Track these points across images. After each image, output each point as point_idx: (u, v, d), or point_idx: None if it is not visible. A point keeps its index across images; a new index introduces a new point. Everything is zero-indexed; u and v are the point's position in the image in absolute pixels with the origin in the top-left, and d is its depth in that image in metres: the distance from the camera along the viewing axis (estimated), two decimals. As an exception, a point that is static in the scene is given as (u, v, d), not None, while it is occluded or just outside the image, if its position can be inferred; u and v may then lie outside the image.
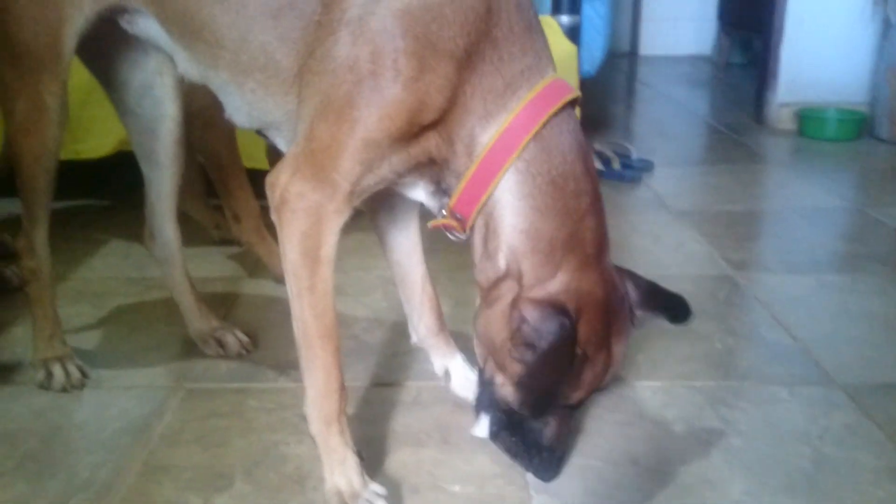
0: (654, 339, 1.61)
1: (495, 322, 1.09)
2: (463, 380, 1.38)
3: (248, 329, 1.64)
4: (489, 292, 1.10)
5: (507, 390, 1.13)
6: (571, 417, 1.18)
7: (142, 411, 1.37)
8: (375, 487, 1.11)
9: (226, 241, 2.11)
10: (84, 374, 1.45)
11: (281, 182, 1.09)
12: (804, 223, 2.34)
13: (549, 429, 1.15)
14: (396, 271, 1.37)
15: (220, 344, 1.55)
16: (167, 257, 1.53)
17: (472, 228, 1.10)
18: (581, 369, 1.07)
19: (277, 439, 1.29)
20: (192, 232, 2.08)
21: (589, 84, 3.09)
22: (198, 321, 1.56)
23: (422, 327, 1.38)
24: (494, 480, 1.19)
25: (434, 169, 1.10)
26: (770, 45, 3.54)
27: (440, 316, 1.38)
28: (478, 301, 1.15)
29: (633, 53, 6.04)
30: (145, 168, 1.48)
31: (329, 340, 1.11)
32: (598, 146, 2.88)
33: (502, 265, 1.07)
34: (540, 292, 1.05)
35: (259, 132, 1.24)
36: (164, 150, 1.45)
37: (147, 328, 1.69)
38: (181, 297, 1.55)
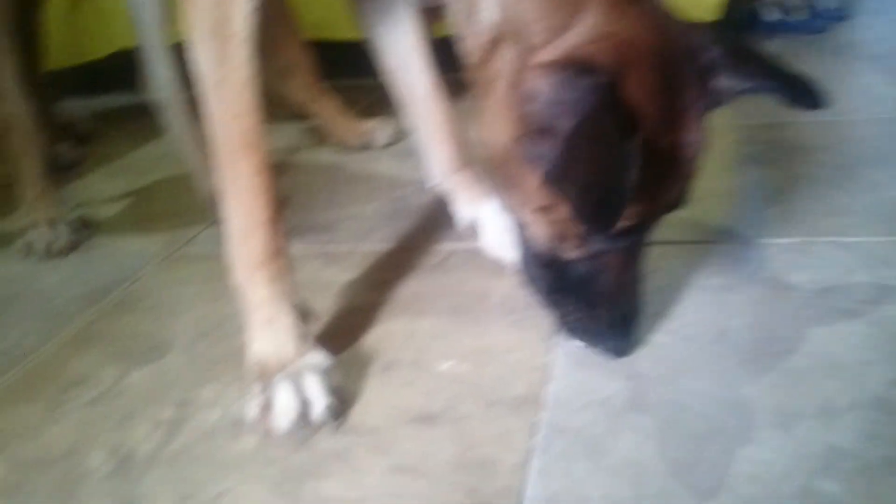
0: (793, 188, 1.15)
1: (498, 117, 0.71)
2: (496, 233, 1.00)
3: (282, 194, 1.36)
4: (482, 70, 0.72)
5: (537, 227, 0.76)
6: (636, 253, 0.78)
7: (113, 277, 1.13)
8: (313, 358, 0.78)
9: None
10: (74, 239, 1.23)
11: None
12: None
13: (606, 274, 0.77)
14: (396, 86, 1.01)
15: (232, 206, 1.27)
16: (167, 101, 1.26)
17: None
18: (641, 163, 0.65)
19: (245, 307, 0.99)
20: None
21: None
22: (205, 179, 1.29)
23: (435, 164, 1.02)
24: (502, 358, 0.83)
25: None
26: None
27: (460, 145, 1.01)
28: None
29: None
30: (128, -9, 1.22)
31: (253, 151, 0.79)
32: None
33: (488, 20, 0.69)
34: (553, 52, 0.66)
35: None
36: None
37: (173, 199, 1.45)
38: (184, 150, 1.29)
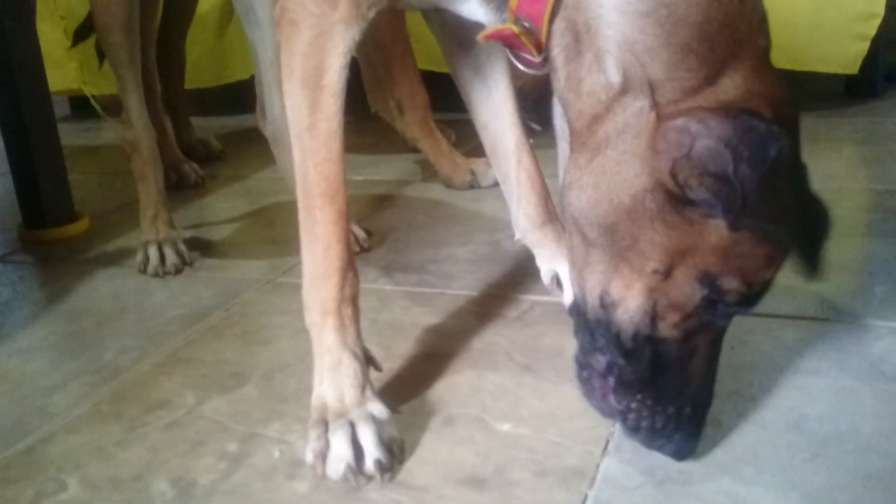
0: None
1: (621, 171, 0.68)
2: (577, 290, 0.98)
3: (382, 229, 1.40)
4: (592, 130, 0.70)
5: (635, 300, 0.70)
6: (722, 337, 0.74)
7: (213, 301, 1.18)
8: (374, 408, 0.79)
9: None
10: (183, 260, 1.31)
11: (283, -8, 0.83)
12: None
13: (694, 359, 0.72)
14: (486, 139, 1.01)
15: (332, 239, 1.31)
16: (276, 135, 1.33)
17: (548, 40, 0.72)
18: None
19: (325, 343, 1.02)
20: (384, 136, 1.88)
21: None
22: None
23: (521, 216, 1.02)
24: (562, 425, 0.81)
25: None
26: None
27: (545, 200, 1.00)
28: (561, 170, 0.77)
29: None
30: (248, 31, 1.29)
31: (332, 201, 0.82)
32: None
33: (615, 75, 0.68)
34: (703, 103, 0.65)
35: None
36: (261, 2, 1.24)
37: (283, 224, 1.51)
38: (290, 185, 1.34)
